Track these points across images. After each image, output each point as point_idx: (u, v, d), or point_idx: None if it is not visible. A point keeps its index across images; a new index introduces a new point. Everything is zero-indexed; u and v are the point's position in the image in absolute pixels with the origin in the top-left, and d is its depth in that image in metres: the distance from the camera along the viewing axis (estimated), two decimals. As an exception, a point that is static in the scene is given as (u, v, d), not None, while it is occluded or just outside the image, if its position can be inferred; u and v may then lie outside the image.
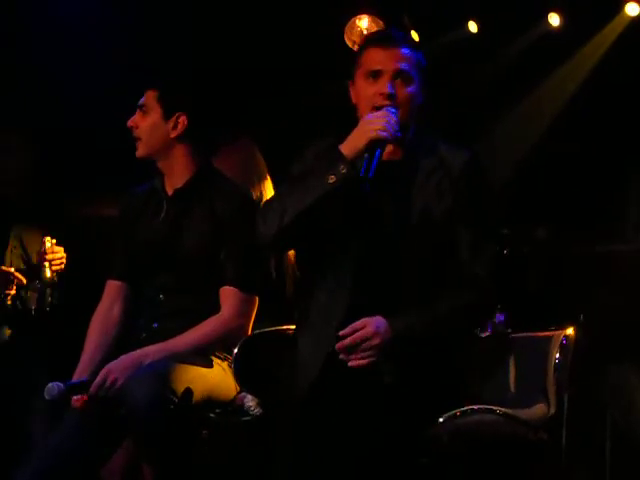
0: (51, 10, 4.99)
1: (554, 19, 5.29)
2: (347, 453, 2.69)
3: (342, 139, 2.95)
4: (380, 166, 2.87)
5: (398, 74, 2.94)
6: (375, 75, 2.95)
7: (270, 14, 5.22)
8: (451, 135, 4.90)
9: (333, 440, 2.71)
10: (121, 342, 3.46)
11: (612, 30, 5.25)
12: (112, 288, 3.52)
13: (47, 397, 3.13)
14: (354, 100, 3.04)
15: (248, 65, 5.28)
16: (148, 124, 3.44)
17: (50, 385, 3.14)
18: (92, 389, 3.20)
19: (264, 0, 5.21)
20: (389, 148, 2.94)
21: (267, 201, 3.05)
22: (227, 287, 3.36)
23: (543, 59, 5.39)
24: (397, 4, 5.40)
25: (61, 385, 3.15)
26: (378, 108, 2.92)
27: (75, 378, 3.32)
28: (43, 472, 3.17)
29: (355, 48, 5.31)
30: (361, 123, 2.91)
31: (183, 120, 3.43)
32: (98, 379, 3.20)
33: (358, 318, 2.83)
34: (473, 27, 5.43)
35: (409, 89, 2.96)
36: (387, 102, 2.92)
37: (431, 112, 3.01)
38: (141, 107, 3.46)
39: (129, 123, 3.47)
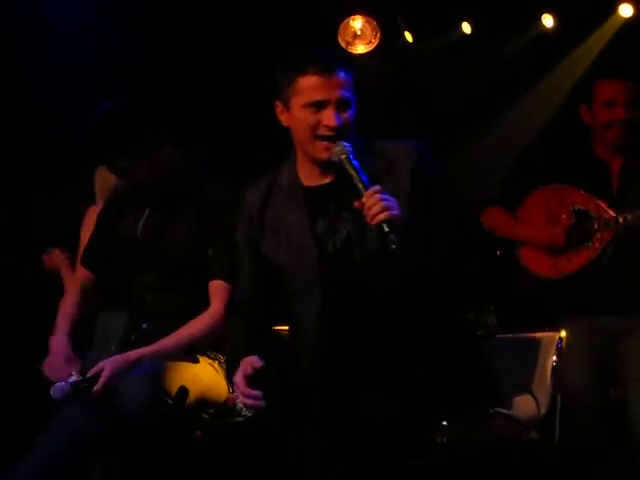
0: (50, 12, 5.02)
1: (548, 20, 5.31)
2: (346, 455, 2.69)
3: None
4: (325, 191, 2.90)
5: (341, 103, 2.87)
6: (318, 105, 2.86)
7: (263, 15, 5.23)
8: (444, 137, 4.96)
9: (332, 442, 2.71)
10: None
11: (606, 31, 5.27)
12: (79, 274, 3.59)
13: (54, 396, 3.13)
14: (287, 123, 2.95)
15: (238, 63, 5.29)
16: (150, 168, 3.36)
17: (57, 384, 3.14)
18: (96, 391, 3.15)
19: (258, 1, 5.22)
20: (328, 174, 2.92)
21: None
22: (215, 281, 3.34)
23: (537, 60, 5.40)
24: (391, 5, 5.40)
25: (67, 384, 3.14)
26: (322, 138, 2.86)
27: (54, 344, 3.36)
28: (32, 476, 3.14)
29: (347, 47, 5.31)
30: None
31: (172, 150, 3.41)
32: (102, 380, 3.15)
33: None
34: (467, 28, 5.44)
35: (350, 113, 2.88)
36: (332, 133, 2.85)
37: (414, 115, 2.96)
38: (122, 171, 3.37)
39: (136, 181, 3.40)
